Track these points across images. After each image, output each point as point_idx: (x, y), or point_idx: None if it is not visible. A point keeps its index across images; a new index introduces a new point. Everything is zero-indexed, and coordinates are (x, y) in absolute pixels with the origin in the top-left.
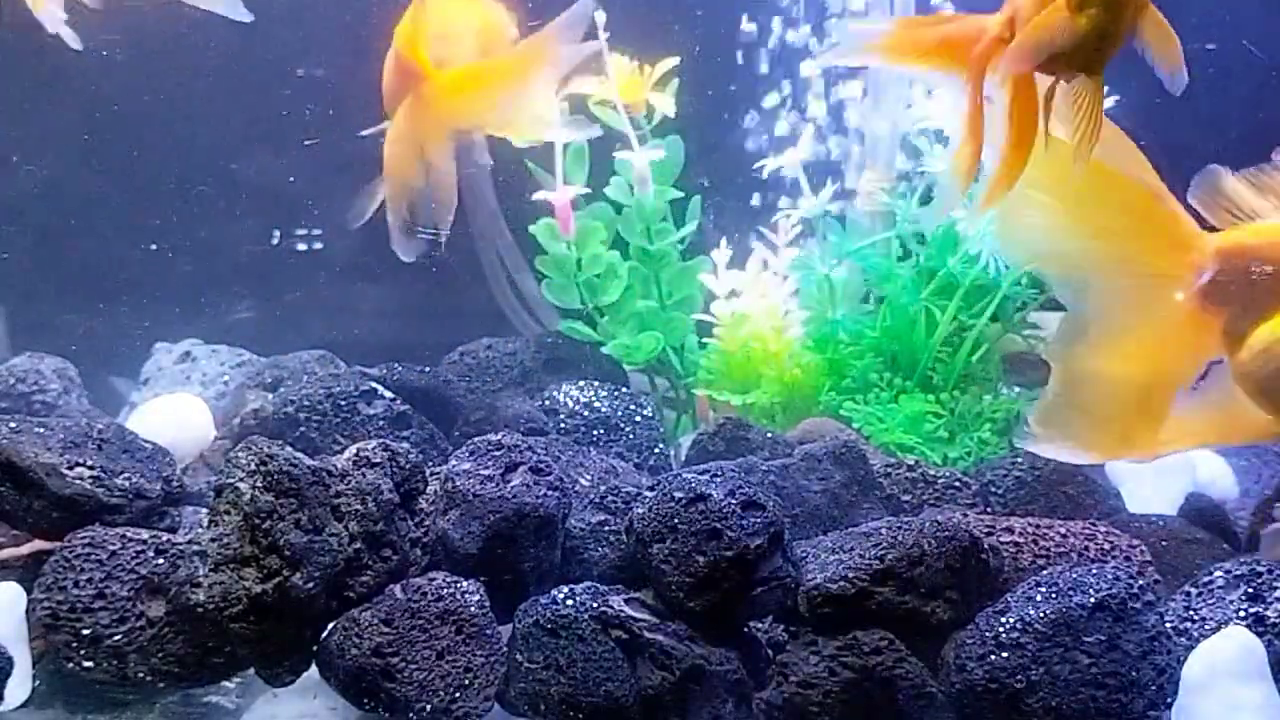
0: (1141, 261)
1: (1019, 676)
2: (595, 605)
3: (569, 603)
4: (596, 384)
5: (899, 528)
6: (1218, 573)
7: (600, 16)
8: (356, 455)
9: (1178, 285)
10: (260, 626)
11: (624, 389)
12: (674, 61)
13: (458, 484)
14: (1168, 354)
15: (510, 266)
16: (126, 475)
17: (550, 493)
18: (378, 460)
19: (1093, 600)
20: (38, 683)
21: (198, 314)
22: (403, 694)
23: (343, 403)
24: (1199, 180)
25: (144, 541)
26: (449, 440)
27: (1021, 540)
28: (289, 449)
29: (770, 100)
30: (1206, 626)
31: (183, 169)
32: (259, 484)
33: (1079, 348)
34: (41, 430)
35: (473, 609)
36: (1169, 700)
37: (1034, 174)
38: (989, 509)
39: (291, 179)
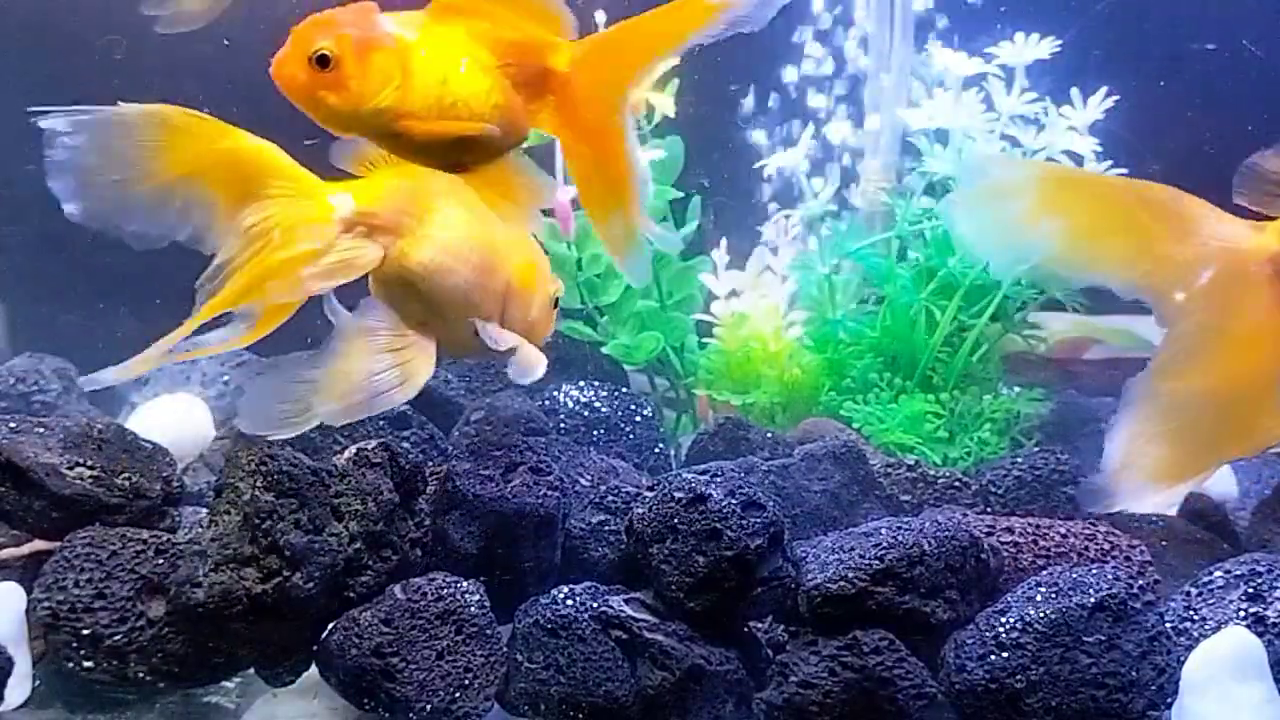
0: (1192, 262)
1: (1019, 676)
2: (595, 605)
3: (569, 603)
4: (596, 384)
5: (899, 528)
6: (1218, 573)
7: (600, 16)
8: (356, 455)
9: (1247, 273)
10: (260, 626)
11: (624, 389)
12: (674, 61)
13: (458, 484)
14: (1264, 349)
15: None
16: (126, 475)
17: (550, 493)
18: (378, 460)
19: (1093, 600)
20: (38, 683)
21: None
22: (403, 694)
23: None
24: (1242, 175)
25: (144, 541)
26: (449, 440)
27: (1021, 540)
28: (289, 449)
29: (770, 100)
30: (1206, 626)
31: None
32: (259, 484)
33: (1171, 372)
34: (41, 430)
35: (473, 609)
36: (1169, 700)
37: (1040, 206)
38: (989, 509)
39: None
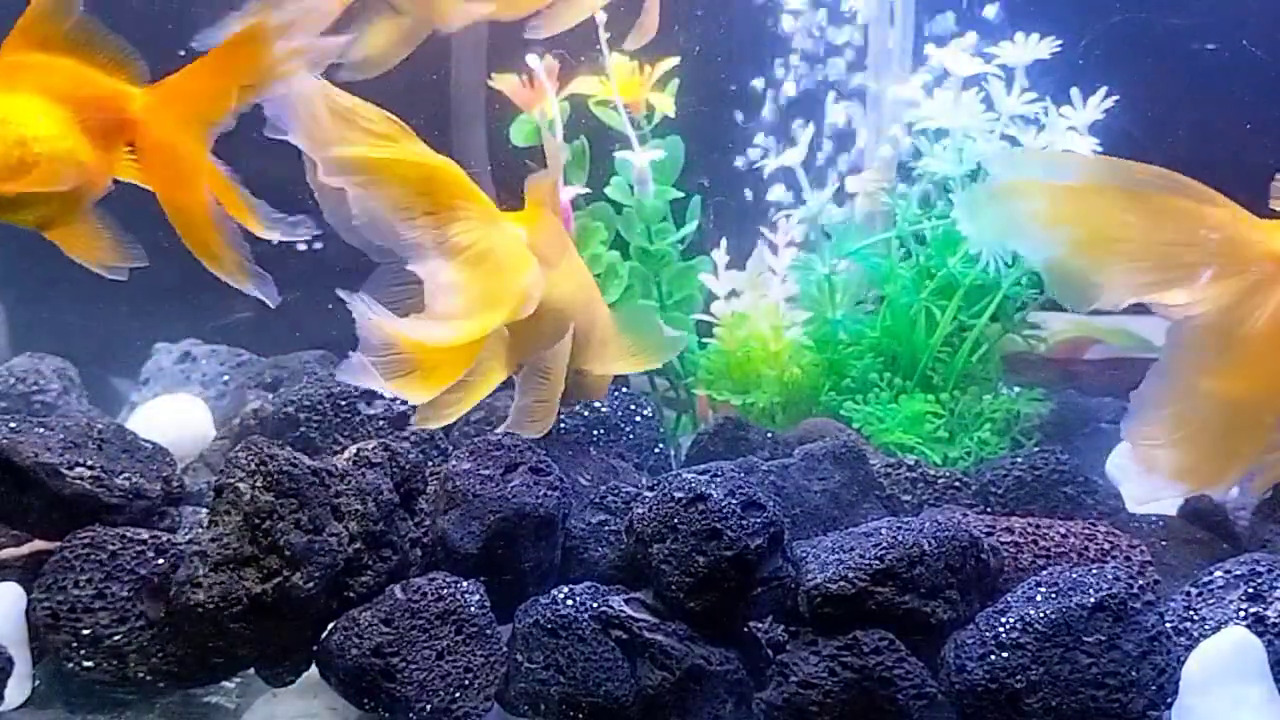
0: (1206, 261)
1: (1019, 676)
2: (595, 605)
3: (569, 603)
4: None
5: (899, 528)
6: (1218, 573)
7: (600, 16)
8: (356, 455)
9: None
10: (260, 626)
11: (624, 389)
12: (674, 61)
13: (458, 484)
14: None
15: None
16: (126, 475)
17: (550, 493)
18: (378, 460)
19: (1093, 600)
20: (38, 683)
21: (198, 314)
22: (403, 694)
23: (343, 403)
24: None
25: (144, 541)
26: (449, 440)
27: (1021, 540)
28: (289, 449)
29: (769, 102)
30: (1206, 626)
31: None
32: (259, 484)
33: (1193, 368)
34: (41, 430)
35: (473, 609)
36: (1169, 700)
37: (1051, 211)
38: (989, 509)
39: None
